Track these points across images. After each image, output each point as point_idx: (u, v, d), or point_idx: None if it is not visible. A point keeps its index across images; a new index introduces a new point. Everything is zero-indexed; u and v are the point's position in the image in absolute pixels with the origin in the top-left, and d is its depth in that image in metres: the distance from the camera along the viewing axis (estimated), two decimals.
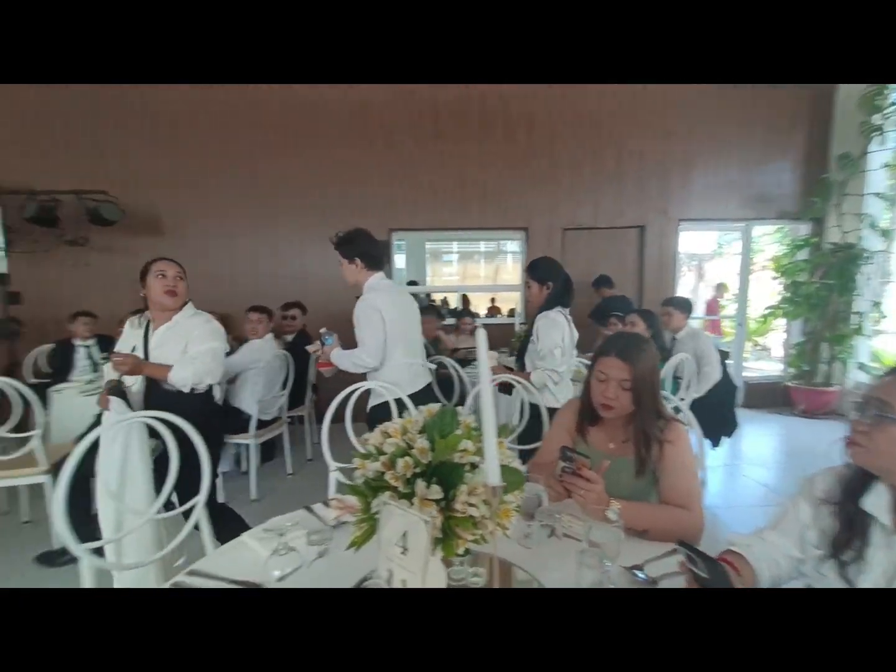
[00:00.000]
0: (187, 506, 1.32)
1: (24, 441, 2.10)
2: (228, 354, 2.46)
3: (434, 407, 0.69)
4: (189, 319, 1.74)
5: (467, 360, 3.26)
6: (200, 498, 1.34)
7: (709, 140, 4.40)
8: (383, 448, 0.62)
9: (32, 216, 3.48)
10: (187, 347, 1.67)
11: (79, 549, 1.08)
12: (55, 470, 2.06)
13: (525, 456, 1.62)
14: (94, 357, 3.51)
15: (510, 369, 2.10)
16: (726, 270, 7.32)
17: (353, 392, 1.70)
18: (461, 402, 2.66)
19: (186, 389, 1.62)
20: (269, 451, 3.29)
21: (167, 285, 1.67)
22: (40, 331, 3.94)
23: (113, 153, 4.02)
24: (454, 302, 6.62)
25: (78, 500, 2.06)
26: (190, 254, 4.17)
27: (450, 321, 4.48)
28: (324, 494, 2.58)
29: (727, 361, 2.89)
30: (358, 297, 1.88)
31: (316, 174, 4.21)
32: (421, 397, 1.82)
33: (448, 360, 2.63)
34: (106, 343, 3.63)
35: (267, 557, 0.87)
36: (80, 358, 3.46)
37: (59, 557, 2.01)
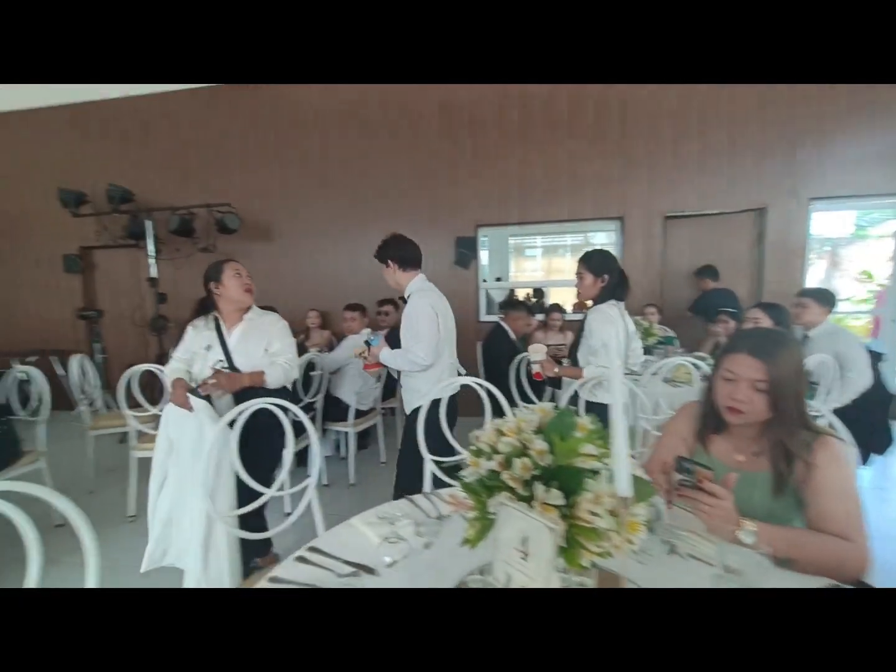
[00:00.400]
0: (300, 486, 1.45)
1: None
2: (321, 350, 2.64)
3: (547, 406, 0.66)
4: (262, 318, 1.81)
5: (556, 357, 3.14)
6: (312, 480, 1.46)
7: (848, 100, 3.69)
8: (498, 447, 0.61)
9: (175, 228, 4.09)
10: (269, 345, 1.76)
11: (214, 513, 1.22)
12: None
13: None
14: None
15: (559, 363, 2.05)
16: (868, 256, 6.13)
17: (446, 386, 1.72)
18: (552, 401, 2.57)
19: (278, 386, 1.73)
20: (364, 439, 3.50)
21: (245, 283, 1.74)
22: (181, 326, 4.62)
23: (234, 170, 4.56)
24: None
25: None
26: (296, 256, 4.60)
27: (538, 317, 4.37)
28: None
29: (882, 364, 2.41)
30: (402, 299, 1.98)
31: (405, 176, 4.35)
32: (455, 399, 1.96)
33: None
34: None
35: (377, 544, 0.91)
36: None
37: None
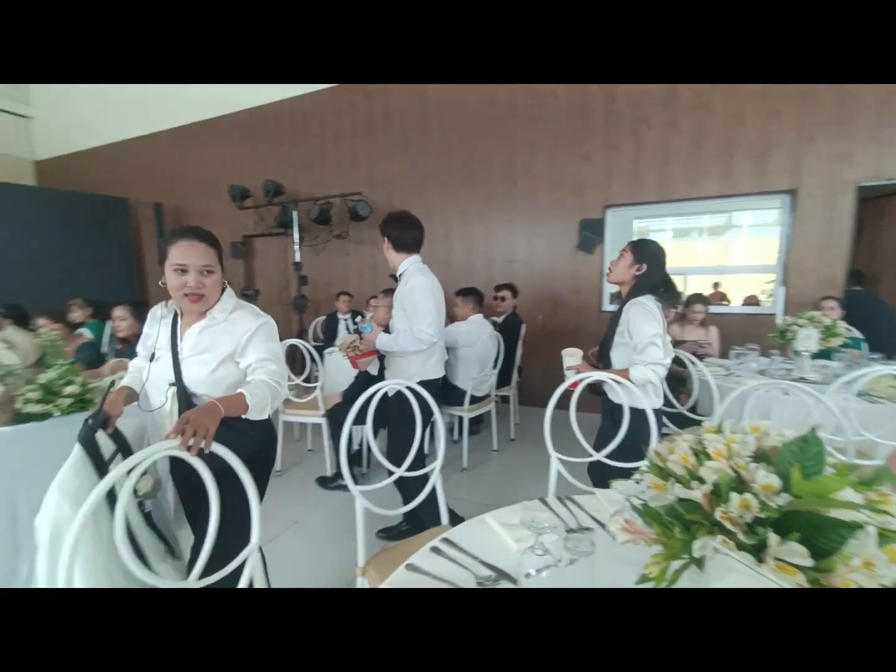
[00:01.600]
0: (426, 469, 1.46)
1: (310, 390, 2.76)
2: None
3: (767, 425, 0.51)
4: (232, 315, 1.20)
5: (698, 355, 2.73)
6: (437, 463, 1.46)
7: None
8: (700, 473, 0.48)
9: (315, 217, 4.52)
10: (240, 355, 1.18)
11: (354, 489, 1.28)
12: (328, 414, 2.65)
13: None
14: (349, 328, 4.37)
15: (596, 367, 1.75)
16: None
17: (583, 379, 1.57)
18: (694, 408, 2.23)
19: (264, 415, 1.13)
20: (476, 425, 3.50)
21: (188, 289, 1.13)
22: (317, 306, 5.16)
23: (365, 161, 4.85)
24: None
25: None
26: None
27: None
28: (529, 476, 2.61)
29: None
30: (392, 277, 1.96)
31: (527, 156, 4.16)
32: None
33: (683, 354, 2.22)
34: (357, 316, 4.48)
35: (515, 549, 0.84)
36: (342, 328, 4.37)
37: (330, 482, 2.59)
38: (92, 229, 5.66)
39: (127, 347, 2.43)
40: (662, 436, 1.59)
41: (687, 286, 4.24)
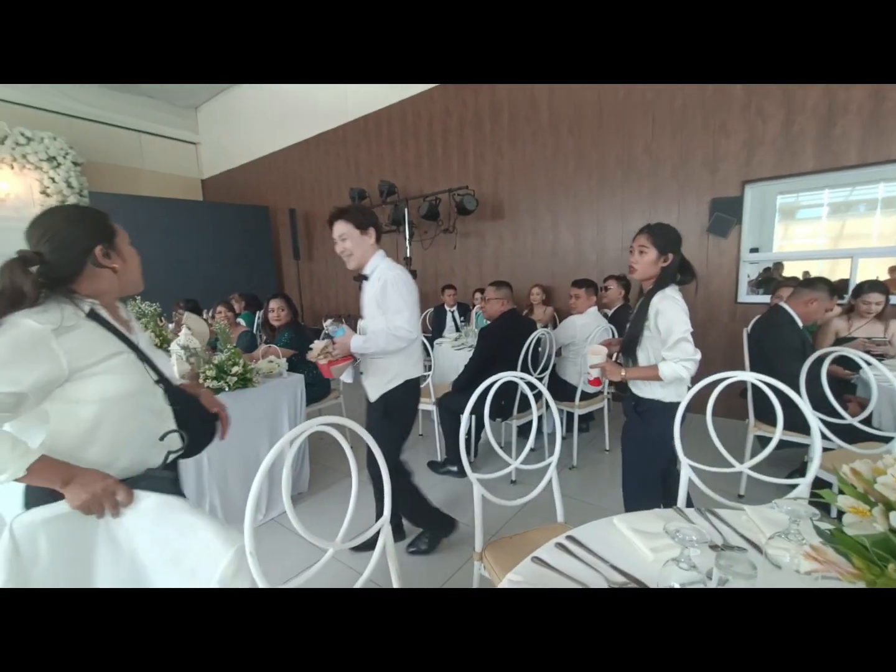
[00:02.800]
0: (542, 464, 1.45)
1: (422, 378, 2.91)
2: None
3: None
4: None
5: (874, 354, 2.24)
6: (553, 459, 1.44)
7: None
8: None
9: (425, 213, 4.71)
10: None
11: (472, 476, 1.32)
12: (439, 402, 2.77)
13: None
14: (456, 320, 4.50)
15: (622, 365, 1.61)
16: None
17: (722, 380, 1.40)
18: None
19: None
20: (586, 422, 3.36)
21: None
22: (425, 298, 5.40)
23: (472, 154, 4.90)
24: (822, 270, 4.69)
25: (450, 429, 2.71)
26: (523, 232, 4.68)
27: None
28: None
29: None
30: (362, 277, 1.77)
31: (647, 134, 3.79)
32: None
33: (854, 353, 1.84)
34: (463, 309, 4.58)
35: (652, 559, 0.80)
36: (448, 320, 4.52)
37: (440, 467, 2.71)
38: (241, 234, 6.67)
39: (275, 335, 2.83)
40: (824, 450, 1.35)
41: (856, 272, 3.51)
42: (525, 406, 2.68)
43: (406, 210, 4.98)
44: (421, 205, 4.82)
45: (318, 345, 1.67)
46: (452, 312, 4.55)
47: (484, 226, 4.90)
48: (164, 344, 2.16)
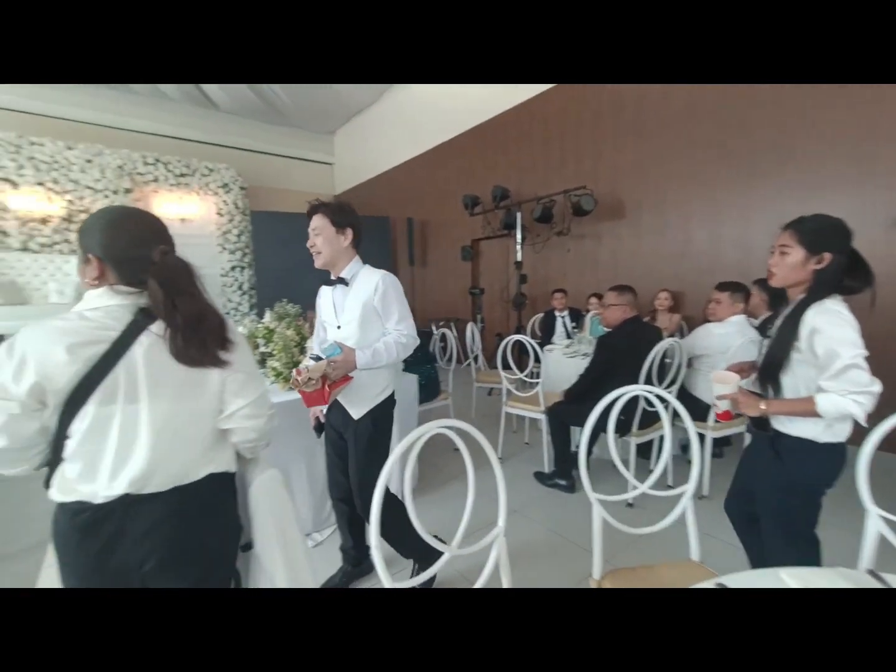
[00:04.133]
0: (675, 491, 1.29)
1: (529, 384, 2.84)
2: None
3: None
4: None
5: None
6: (689, 488, 1.28)
7: None
8: None
9: (538, 216, 4.61)
10: None
11: (592, 496, 1.23)
12: (548, 411, 2.66)
13: None
14: (567, 325, 4.31)
15: (760, 395, 1.27)
16: None
17: None
18: None
19: None
20: (719, 447, 2.93)
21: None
22: (534, 303, 5.28)
23: (590, 153, 4.65)
24: None
25: (560, 440, 2.59)
26: (646, 232, 4.29)
27: None
28: None
29: None
30: (329, 283, 1.65)
31: (811, 113, 3.17)
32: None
33: None
34: (575, 315, 4.37)
35: None
36: (559, 325, 4.35)
37: (547, 479, 2.61)
38: (365, 243, 7.29)
39: None
40: None
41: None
42: (647, 422, 2.44)
43: (518, 214, 4.94)
44: (534, 208, 4.73)
45: (314, 368, 1.36)
46: (563, 318, 4.37)
47: (601, 227, 4.62)
48: (302, 341, 2.44)
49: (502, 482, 1.08)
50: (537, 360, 2.92)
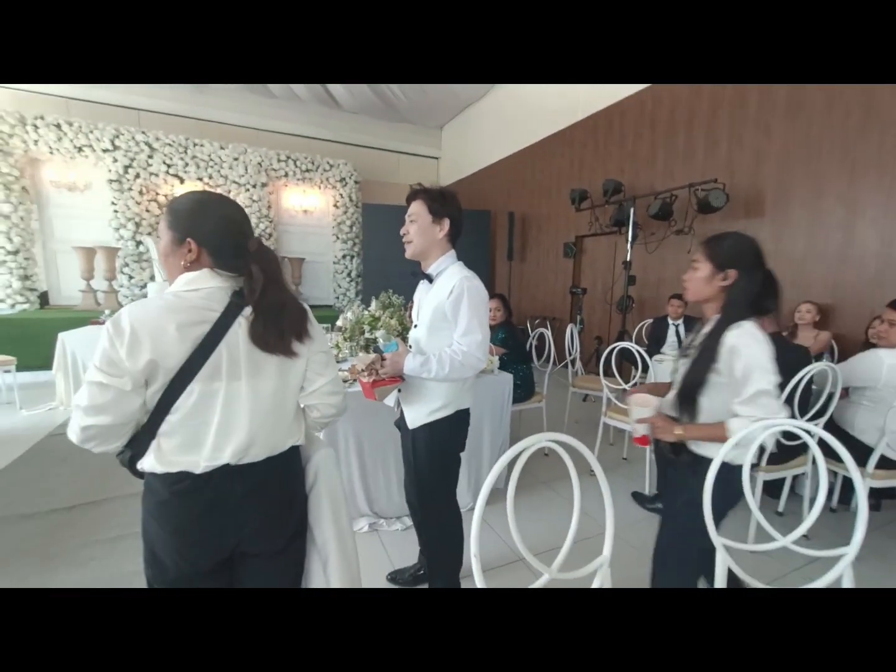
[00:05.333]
0: (829, 553, 1.08)
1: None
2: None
3: None
4: None
5: None
6: (850, 551, 1.05)
7: None
8: None
9: (655, 212, 4.21)
10: None
11: (718, 540, 1.08)
12: None
13: None
14: (681, 335, 3.89)
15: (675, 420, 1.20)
16: None
17: None
18: None
19: None
20: (877, 499, 2.41)
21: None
22: (640, 307, 4.86)
23: (725, 141, 4.09)
24: None
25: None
26: (792, 233, 3.67)
27: None
28: None
29: None
30: (415, 274, 1.50)
31: None
32: None
33: None
34: (691, 323, 3.93)
35: None
36: (670, 334, 3.95)
37: (647, 502, 2.39)
38: (465, 236, 7.35)
39: (491, 333, 3.00)
40: None
41: None
42: (783, 456, 2.09)
43: (632, 209, 4.56)
44: (651, 203, 4.32)
45: (364, 358, 1.38)
46: (677, 326, 3.95)
47: (732, 226, 4.05)
48: (404, 331, 2.53)
49: (610, 507, 1.00)
50: (644, 369, 2.67)
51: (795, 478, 2.40)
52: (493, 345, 2.75)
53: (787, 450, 2.02)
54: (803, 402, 2.06)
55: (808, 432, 1.15)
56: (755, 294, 1.15)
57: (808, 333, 3.24)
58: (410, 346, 1.49)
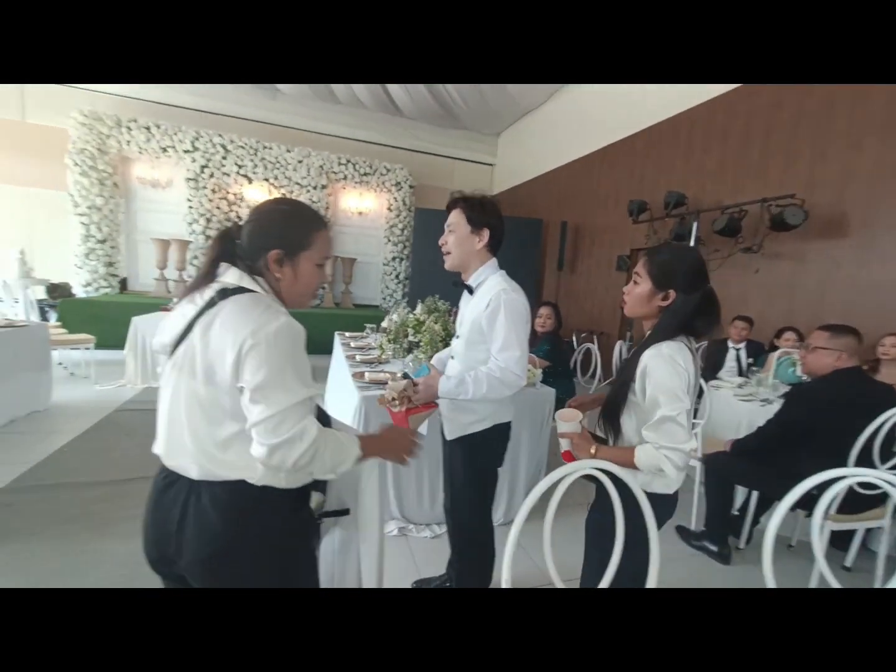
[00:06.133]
0: None
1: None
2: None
3: None
4: None
5: None
6: None
7: None
8: None
9: (721, 228, 3.95)
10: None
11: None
12: (706, 460, 2.25)
13: None
14: (742, 361, 3.61)
15: (601, 440, 1.19)
16: None
17: None
18: None
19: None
20: None
21: (324, 279, 0.98)
22: None
23: (807, 155, 3.77)
24: None
25: (717, 498, 2.17)
26: (880, 258, 3.31)
27: None
28: None
29: None
30: (456, 284, 1.45)
31: None
32: None
33: None
34: (755, 349, 3.64)
35: None
36: (729, 359, 3.68)
37: (693, 538, 2.22)
38: (513, 244, 7.26)
39: (536, 341, 2.94)
40: None
41: None
42: (857, 506, 1.87)
43: (695, 223, 4.31)
44: (717, 218, 4.06)
45: (395, 385, 1.29)
46: (738, 351, 3.67)
47: (808, 246, 3.72)
48: (448, 337, 2.53)
49: (656, 542, 0.92)
50: (698, 395, 2.50)
51: (869, 531, 2.14)
52: (536, 356, 2.68)
53: (862, 500, 1.81)
54: (886, 448, 1.84)
55: (892, 483, 1.03)
56: (688, 315, 1.07)
57: (892, 370, 2.90)
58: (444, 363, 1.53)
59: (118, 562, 1.78)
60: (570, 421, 1.20)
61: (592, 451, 1.13)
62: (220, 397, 0.77)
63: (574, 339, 4.66)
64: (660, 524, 1.06)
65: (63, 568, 1.75)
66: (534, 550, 2.00)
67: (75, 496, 2.27)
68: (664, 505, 1.11)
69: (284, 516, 0.83)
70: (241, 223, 0.87)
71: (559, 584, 0.83)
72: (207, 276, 0.83)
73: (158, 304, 5.11)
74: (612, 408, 1.15)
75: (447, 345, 2.47)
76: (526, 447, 2.41)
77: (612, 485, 0.98)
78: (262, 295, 0.81)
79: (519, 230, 7.39)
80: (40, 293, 5.87)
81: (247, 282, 0.82)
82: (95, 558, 1.82)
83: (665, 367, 1.02)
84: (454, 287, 1.50)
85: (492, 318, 1.28)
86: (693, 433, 1.03)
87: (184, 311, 0.82)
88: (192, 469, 0.78)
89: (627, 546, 1.02)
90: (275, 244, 0.84)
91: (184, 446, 0.79)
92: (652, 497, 1.04)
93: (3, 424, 3.06)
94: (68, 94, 6.41)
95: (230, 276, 0.82)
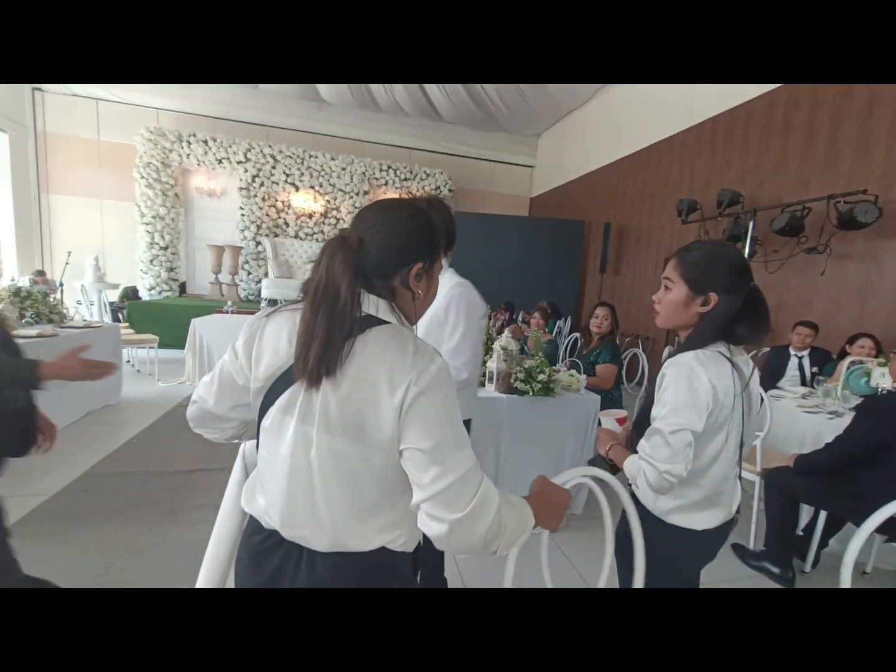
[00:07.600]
0: None
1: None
2: None
3: None
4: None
5: None
6: None
7: None
8: None
9: (782, 227, 3.71)
10: None
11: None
12: (766, 475, 2.12)
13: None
14: (806, 369, 3.37)
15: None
16: None
17: None
18: None
19: None
20: None
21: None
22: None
23: (881, 147, 3.47)
24: None
25: (778, 516, 2.03)
26: None
27: None
28: None
29: None
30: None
31: None
32: None
33: None
34: (821, 357, 3.39)
35: None
36: (791, 366, 3.44)
37: (752, 558, 2.09)
38: (555, 246, 7.17)
39: (591, 341, 2.88)
40: None
41: None
42: None
43: (752, 223, 4.07)
44: (777, 217, 3.82)
45: None
46: (800, 358, 3.43)
47: (883, 245, 3.43)
48: (487, 342, 2.53)
49: (641, 552, 0.88)
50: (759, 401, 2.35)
51: None
52: (602, 364, 2.69)
53: None
54: None
55: None
56: (728, 319, 0.95)
57: None
58: None
59: (181, 547, 1.91)
60: (607, 416, 1.27)
61: (607, 448, 1.11)
62: (369, 457, 0.62)
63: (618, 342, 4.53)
64: (691, 564, 1.03)
65: (131, 548, 1.90)
66: (573, 553, 1.95)
67: (144, 484, 2.45)
68: (693, 542, 1.01)
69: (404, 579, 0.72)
70: (352, 233, 0.66)
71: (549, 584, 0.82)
72: (353, 309, 0.61)
73: (214, 307, 5.43)
74: (642, 419, 1.06)
75: (488, 349, 2.48)
76: (570, 452, 2.36)
77: (602, 492, 1.00)
78: (401, 326, 0.66)
79: (560, 232, 7.26)
80: (113, 296, 6.39)
81: (385, 311, 0.66)
82: (160, 542, 1.96)
83: (678, 379, 0.93)
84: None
85: (445, 312, 1.37)
86: (685, 459, 0.91)
87: (288, 335, 0.66)
88: (319, 542, 0.65)
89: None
90: (414, 257, 0.68)
91: (315, 515, 0.64)
92: (673, 530, 0.98)
93: (81, 416, 3.36)
94: (136, 112, 6.97)
95: (364, 303, 0.65)
